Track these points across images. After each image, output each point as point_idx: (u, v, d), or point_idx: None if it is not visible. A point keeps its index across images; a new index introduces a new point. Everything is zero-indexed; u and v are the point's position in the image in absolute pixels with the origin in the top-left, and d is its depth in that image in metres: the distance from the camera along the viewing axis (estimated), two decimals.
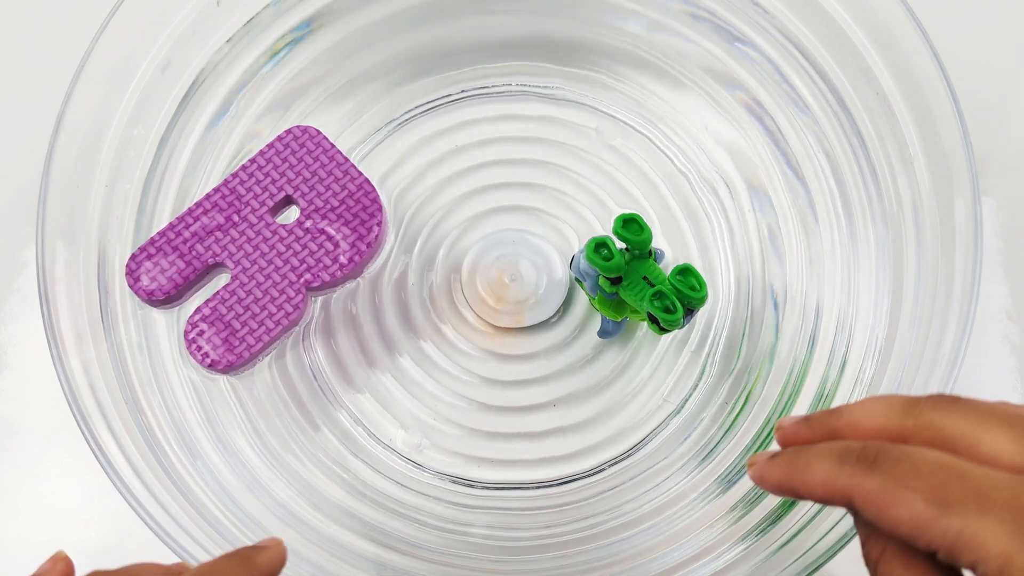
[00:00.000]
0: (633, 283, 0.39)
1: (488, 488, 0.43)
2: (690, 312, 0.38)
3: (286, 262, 0.42)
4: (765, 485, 0.28)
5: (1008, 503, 0.23)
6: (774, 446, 0.40)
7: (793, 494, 0.27)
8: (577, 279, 0.42)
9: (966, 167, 0.39)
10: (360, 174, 0.43)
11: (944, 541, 0.23)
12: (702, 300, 0.38)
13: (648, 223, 0.38)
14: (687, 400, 0.43)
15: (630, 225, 0.38)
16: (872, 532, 0.26)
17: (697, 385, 0.44)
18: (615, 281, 0.39)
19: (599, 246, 0.38)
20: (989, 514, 0.23)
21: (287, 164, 0.43)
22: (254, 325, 0.41)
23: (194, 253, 0.42)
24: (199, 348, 0.41)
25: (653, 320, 0.38)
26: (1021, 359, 0.45)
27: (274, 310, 0.41)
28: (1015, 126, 0.48)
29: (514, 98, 0.47)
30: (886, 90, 0.42)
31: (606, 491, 0.42)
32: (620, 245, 0.39)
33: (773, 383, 0.42)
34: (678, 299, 0.37)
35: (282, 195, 0.43)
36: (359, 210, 0.42)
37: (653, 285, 0.38)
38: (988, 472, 0.24)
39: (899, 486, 0.24)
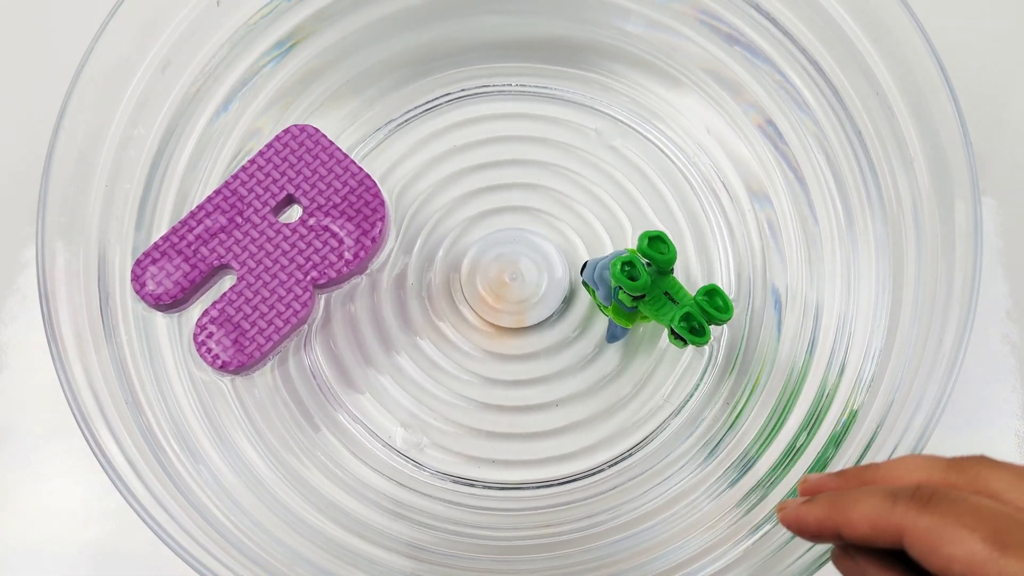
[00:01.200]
0: (655, 299, 0.38)
1: (489, 488, 0.43)
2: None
3: (291, 261, 0.42)
4: (803, 526, 0.28)
5: None
6: (771, 451, 0.41)
7: (832, 534, 0.27)
8: (587, 286, 0.41)
9: (966, 167, 0.39)
10: (360, 170, 0.43)
11: None
12: (728, 319, 0.38)
13: (655, 228, 0.38)
14: (688, 400, 0.43)
15: (656, 243, 0.38)
16: None
17: (698, 385, 0.44)
18: (637, 297, 0.38)
19: (625, 265, 0.38)
20: None
21: (287, 163, 0.43)
22: (263, 325, 0.41)
23: (199, 256, 0.42)
24: (209, 350, 0.41)
25: (678, 337, 0.38)
26: (1021, 359, 0.45)
27: (282, 309, 0.41)
28: (1015, 126, 0.48)
29: (514, 98, 0.47)
30: (886, 90, 0.42)
31: (607, 491, 0.42)
32: (643, 261, 0.38)
33: (774, 383, 0.42)
34: (704, 319, 0.37)
35: (284, 194, 0.43)
36: (361, 205, 0.42)
37: (675, 301, 0.38)
38: None
39: (956, 524, 0.24)
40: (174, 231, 0.42)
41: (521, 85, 0.47)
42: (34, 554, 0.44)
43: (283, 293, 0.42)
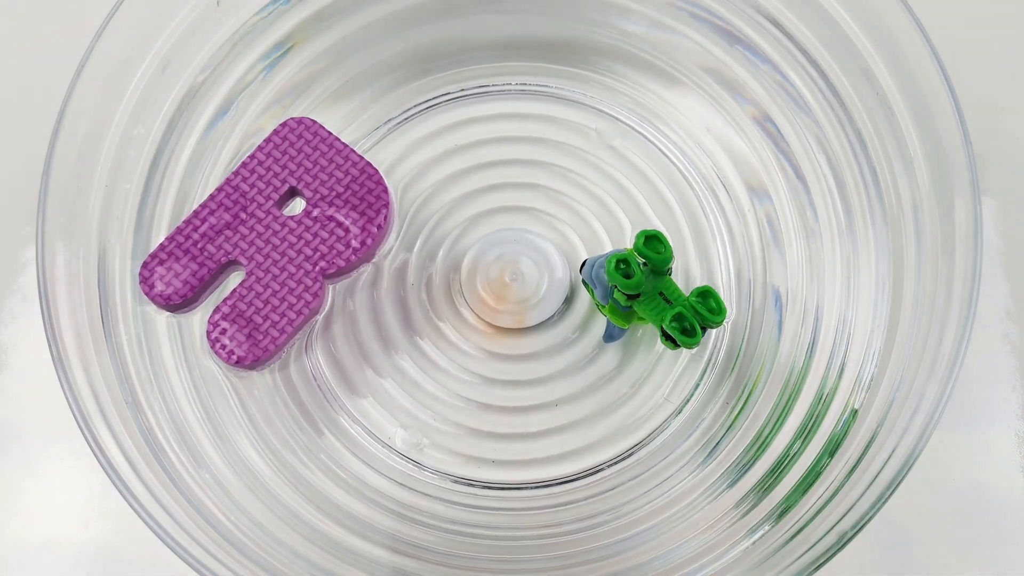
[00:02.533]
0: (649, 298, 0.39)
1: (489, 488, 0.43)
2: (703, 330, 0.38)
3: (299, 253, 0.42)
4: None
5: None
6: (771, 451, 0.41)
7: None
8: (586, 285, 0.42)
9: (966, 167, 0.39)
10: (361, 158, 0.43)
11: None
12: (720, 322, 0.38)
13: (653, 227, 0.38)
14: (688, 400, 0.43)
15: (652, 243, 0.38)
16: None
17: (699, 384, 0.44)
18: (632, 296, 0.39)
19: (620, 262, 0.38)
20: None
21: (287, 156, 0.43)
22: (276, 318, 0.41)
23: (206, 254, 0.42)
24: (223, 347, 0.41)
25: (668, 338, 0.38)
26: (1021, 359, 0.45)
27: (294, 301, 0.41)
28: (1015, 126, 0.48)
29: (514, 98, 0.47)
30: (886, 90, 0.42)
31: (607, 491, 0.42)
32: (639, 260, 0.39)
33: (774, 382, 0.42)
34: (696, 321, 0.38)
35: (286, 187, 0.43)
36: (365, 193, 0.42)
37: (669, 302, 0.38)
38: None
39: None
40: (179, 231, 0.42)
41: (521, 85, 0.47)
42: (34, 554, 0.44)
43: (293, 285, 0.42)
